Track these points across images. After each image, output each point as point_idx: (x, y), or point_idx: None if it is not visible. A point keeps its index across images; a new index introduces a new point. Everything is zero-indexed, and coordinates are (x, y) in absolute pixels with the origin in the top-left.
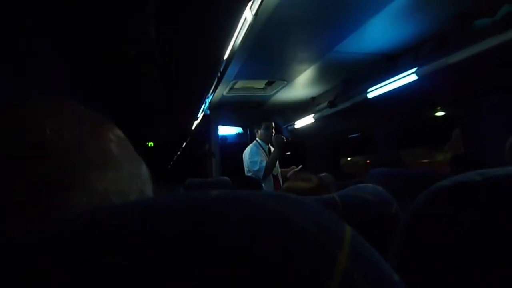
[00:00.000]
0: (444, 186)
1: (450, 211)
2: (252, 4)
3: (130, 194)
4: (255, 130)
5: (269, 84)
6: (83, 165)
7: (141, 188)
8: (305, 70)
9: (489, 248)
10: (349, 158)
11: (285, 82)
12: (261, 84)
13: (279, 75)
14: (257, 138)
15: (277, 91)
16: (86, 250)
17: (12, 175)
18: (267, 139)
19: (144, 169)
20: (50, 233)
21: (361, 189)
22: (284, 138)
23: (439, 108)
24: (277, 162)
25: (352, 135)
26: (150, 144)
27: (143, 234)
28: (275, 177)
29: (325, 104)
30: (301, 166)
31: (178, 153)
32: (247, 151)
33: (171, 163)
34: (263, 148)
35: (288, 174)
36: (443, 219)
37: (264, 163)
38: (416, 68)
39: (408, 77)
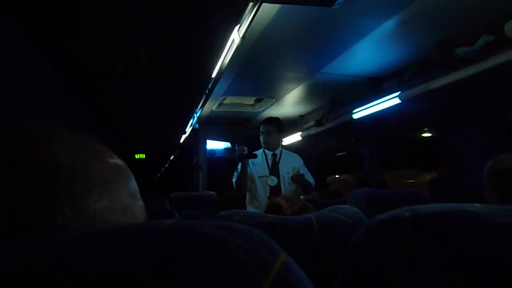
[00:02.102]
0: (379, 220)
1: (383, 243)
2: (239, 27)
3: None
4: None
5: (258, 101)
6: (81, 188)
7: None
8: (293, 89)
9: (415, 278)
10: (336, 176)
11: (274, 99)
12: (250, 100)
13: (268, 92)
14: None
15: (266, 108)
16: (49, 275)
17: (16, 188)
18: (264, 144)
19: (139, 205)
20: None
21: (338, 211)
22: (245, 149)
23: (421, 131)
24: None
25: (338, 154)
26: (137, 156)
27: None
28: (273, 189)
29: (312, 122)
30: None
31: (166, 165)
32: None
33: (158, 175)
34: (266, 155)
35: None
36: (377, 250)
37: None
38: (399, 92)
39: (391, 100)
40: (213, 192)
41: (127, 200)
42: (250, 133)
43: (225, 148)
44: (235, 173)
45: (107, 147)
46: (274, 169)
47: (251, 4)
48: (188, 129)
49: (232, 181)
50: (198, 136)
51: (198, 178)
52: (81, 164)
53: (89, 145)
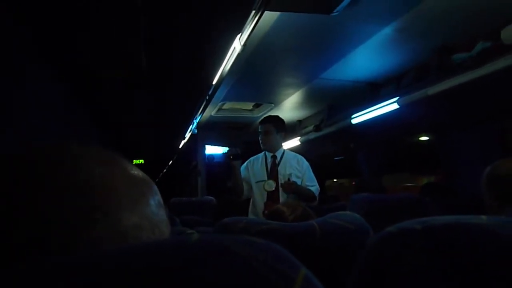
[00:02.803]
0: (390, 233)
1: (393, 254)
2: (241, 36)
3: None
4: None
5: (257, 106)
6: (114, 205)
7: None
8: (292, 94)
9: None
10: (335, 180)
11: (272, 105)
12: (249, 106)
13: (266, 98)
14: None
15: (264, 113)
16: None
17: (52, 205)
18: (262, 146)
19: (165, 219)
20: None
21: (340, 217)
22: (237, 150)
23: (419, 135)
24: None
25: (337, 158)
26: (136, 161)
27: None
28: (270, 194)
29: (311, 127)
30: None
31: (164, 170)
32: None
33: (157, 180)
34: (266, 157)
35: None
36: (388, 261)
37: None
38: (397, 98)
39: (390, 106)
40: (212, 197)
41: (155, 215)
42: (248, 138)
43: (223, 153)
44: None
45: None
46: (272, 173)
47: (253, 12)
48: (187, 134)
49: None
50: (197, 141)
51: (197, 183)
52: (113, 181)
53: (116, 161)
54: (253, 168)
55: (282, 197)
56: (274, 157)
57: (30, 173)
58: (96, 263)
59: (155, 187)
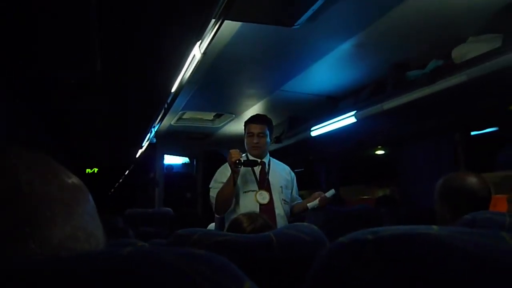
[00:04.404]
0: (341, 243)
1: (344, 266)
2: (201, 43)
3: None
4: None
5: (218, 116)
6: (44, 216)
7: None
8: (253, 105)
9: None
10: None
11: (233, 115)
12: (209, 116)
13: (227, 108)
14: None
15: (225, 124)
16: None
17: None
18: (253, 149)
19: (99, 225)
20: None
21: (297, 228)
22: (242, 154)
23: (376, 149)
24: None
25: (296, 170)
26: (89, 170)
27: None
28: (265, 208)
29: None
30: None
31: (120, 180)
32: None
33: (112, 190)
34: None
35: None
36: (339, 273)
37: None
38: (355, 111)
39: (348, 119)
40: (169, 209)
41: (89, 224)
42: (209, 148)
43: (183, 163)
44: (215, 186)
45: (56, 160)
46: (263, 182)
47: (213, 20)
48: (145, 143)
49: (207, 197)
50: (156, 151)
51: (154, 194)
52: (42, 189)
53: (46, 165)
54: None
55: (278, 211)
56: (262, 163)
57: None
58: (20, 275)
59: (89, 194)
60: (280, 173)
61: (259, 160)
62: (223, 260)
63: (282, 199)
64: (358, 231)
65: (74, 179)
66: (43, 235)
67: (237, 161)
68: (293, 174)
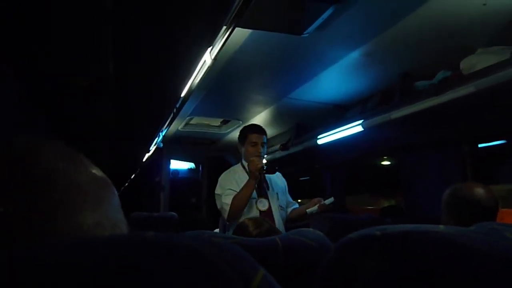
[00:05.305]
0: (351, 239)
1: (354, 260)
2: (212, 49)
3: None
4: (238, 144)
5: (225, 122)
6: (76, 203)
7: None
8: (260, 112)
9: None
10: (299, 200)
11: (240, 122)
12: (216, 122)
13: (235, 115)
14: (242, 159)
15: (232, 130)
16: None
17: (11, 202)
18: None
19: (123, 219)
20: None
21: (303, 234)
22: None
23: (382, 158)
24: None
25: (302, 178)
26: None
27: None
28: (264, 215)
29: (277, 146)
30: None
31: (126, 184)
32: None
33: (118, 194)
34: (247, 173)
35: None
36: (349, 267)
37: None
38: (362, 120)
39: (355, 128)
40: (174, 213)
41: (116, 216)
42: (215, 154)
43: (189, 169)
44: (227, 192)
45: None
46: (261, 190)
47: (224, 27)
48: (152, 148)
49: (212, 202)
50: (162, 156)
51: (160, 198)
52: (75, 177)
53: (78, 158)
54: (237, 183)
55: (277, 217)
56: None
57: None
58: (50, 255)
59: (115, 189)
60: (276, 180)
61: (277, 167)
62: (240, 249)
63: (279, 205)
64: (366, 228)
65: (102, 173)
66: (73, 221)
67: (262, 168)
68: (284, 180)
